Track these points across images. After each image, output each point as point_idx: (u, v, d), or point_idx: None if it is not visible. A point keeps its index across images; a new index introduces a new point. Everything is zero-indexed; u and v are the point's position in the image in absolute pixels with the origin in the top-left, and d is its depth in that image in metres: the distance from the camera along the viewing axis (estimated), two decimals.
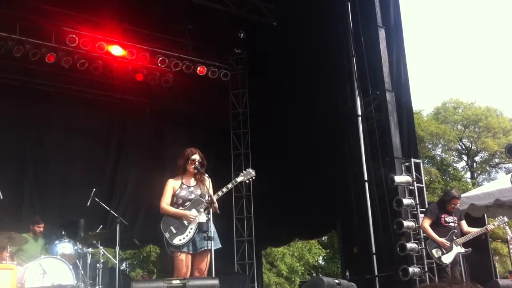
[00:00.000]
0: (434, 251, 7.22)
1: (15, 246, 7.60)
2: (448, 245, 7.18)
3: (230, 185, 5.79)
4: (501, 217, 7.38)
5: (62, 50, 10.57)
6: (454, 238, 7.23)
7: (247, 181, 6.05)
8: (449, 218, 7.34)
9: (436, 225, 7.34)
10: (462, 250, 7.26)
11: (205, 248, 5.52)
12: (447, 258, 7.17)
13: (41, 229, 8.41)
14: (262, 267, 14.88)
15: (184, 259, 5.54)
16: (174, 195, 5.77)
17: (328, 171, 10.28)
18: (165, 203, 5.74)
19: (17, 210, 10.18)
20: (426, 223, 7.38)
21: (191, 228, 5.58)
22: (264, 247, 14.83)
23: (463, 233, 7.40)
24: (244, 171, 6.02)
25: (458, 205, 7.49)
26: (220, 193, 5.68)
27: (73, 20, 10.61)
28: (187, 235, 5.56)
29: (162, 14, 11.19)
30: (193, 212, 5.63)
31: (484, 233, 7.59)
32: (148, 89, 12.21)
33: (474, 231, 7.40)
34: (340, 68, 9.84)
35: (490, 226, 7.33)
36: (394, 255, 8.13)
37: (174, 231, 5.57)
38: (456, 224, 7.36)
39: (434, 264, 7.56)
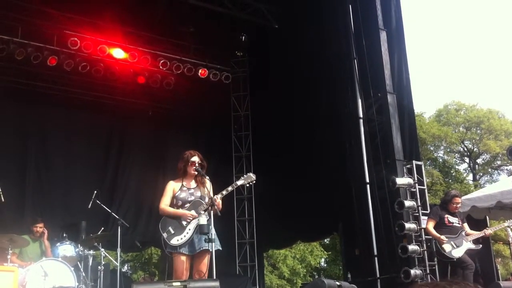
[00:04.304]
0: (444, 246, 7.24)
1: (17, 248, 7.62)
2: (446, 240, 7.21)
3: (230, 188, 5.79)
4: (501, 222, 7.40)
5: (63, 53, 10.61)
6: (464, 235, 7.27)
7: (247, 185, 6.04)
8: (452, 219, 7.38)
9: (441, 226, 7.39)
10: (473, 246, 7.30)
11: (203, 248, 5.51)
12: (457, 253, 7.21)
13: (38, 228, 8.27)
14: (264, 269, 14.84)
15: (183, 260, 5.53)
16: (174, 196, 5.76)
17: (330, 173, 10.27)
18: (164, 204, 5.74)
19: (19, 212, 10.20)
20: (430, 225, 7.43)
21: (189, 229, 5.57)
22: (265, 249, 14.82)
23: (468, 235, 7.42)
24: (244, 175, 6.02)
25: (459, 204, 7.51)
26: (220, 195, 5.67)
27: (75, 23, 10.64)
28: (185, 236, 5.56)
29: (163, 17, 11.19)
30: (193, 214, 5.63)
31: (484, 236, 7.59)
32: (149, 92, 12.24)
33: (474, 233, 7.41)
34: (342, 70, 9.83)
35: (488, 231, 7.32)
36: (396, 257, 8.12)
37: (172, 231, 5.56)
38: (460, 225, 7.39)
39: (436, 263, 7.53)
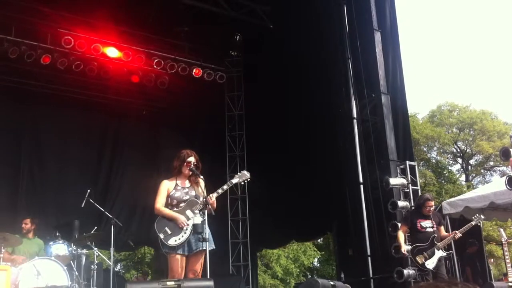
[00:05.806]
0: (417, 258, 7.20)
1: (10, 247, 7.58)
2: (407, 254, 7.23)
3: (225, 187, 5.76)
4: (475, 218, 7.42)
5: (57, 52, 10.56)
6: (435, 242, 7.21)
7: (242, 183, 6.01)
8: (425, 223, 7.28)
9: (414, 231, 7.34)
10: (444, 253, 7.25)
11: (200, 248, 5.51)
12: (430, 264, 7.15)
13: (23, 225, 8.25)
14: (257, 269, 14.84)
15: (178, 260, 5.52)
16: (168, 196, 5.75)
17: (324, 174, 10.29)
18: (160, 203, 5.71)
19: (12, 211, 10.15)
20: (401, 232, 7.42)
21: (186, 230, 5.56)
22: (259, 249, 14.83)
23: (441, 238, 7.37)
24: (239, 173, 5.99)
25: (432, 207, 7.46)
26: (215, 194, 5.65)
27: (69, 21, 10.59)
28: (182, 236, 5.54)
29: (158, 16, 11.17)
30: (188, 213, 5.61)
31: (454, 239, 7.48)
32: (143, 91, 12.21)
33: (446, 238, 7.34)
34: (336, 71, 9.85)
35: (457, 235, 7.27)
36: (389, 257, 8.15)
37: (169, 232, 5.54)
38: (434, 229, 7.32)
39: (416, 270, 7.52)
